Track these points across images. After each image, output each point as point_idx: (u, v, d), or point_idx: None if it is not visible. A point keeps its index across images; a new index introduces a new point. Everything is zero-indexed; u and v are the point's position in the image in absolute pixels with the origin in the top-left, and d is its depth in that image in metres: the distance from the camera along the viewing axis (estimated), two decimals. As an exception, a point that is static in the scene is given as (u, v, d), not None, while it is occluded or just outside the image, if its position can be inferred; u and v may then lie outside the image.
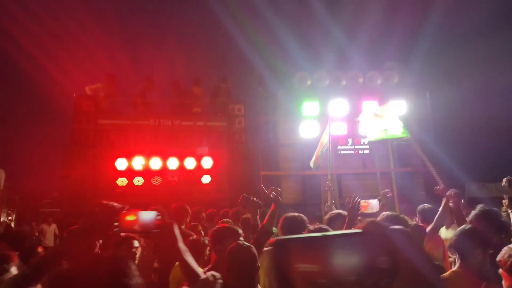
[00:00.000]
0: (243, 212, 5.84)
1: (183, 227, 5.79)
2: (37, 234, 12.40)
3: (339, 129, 9.45)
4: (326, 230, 3.37)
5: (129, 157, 11.53)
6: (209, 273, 2.09)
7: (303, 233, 3.49)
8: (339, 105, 9.43)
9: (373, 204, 4.70)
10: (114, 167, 11.15)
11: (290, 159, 9.38)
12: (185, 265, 2.14)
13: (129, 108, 12.99)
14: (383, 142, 10.11)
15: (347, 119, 9.48)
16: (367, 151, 9.89)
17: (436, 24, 9.97)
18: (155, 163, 11.51)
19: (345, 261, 1.18)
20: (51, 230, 12.76)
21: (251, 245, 2.85)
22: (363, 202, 4.35)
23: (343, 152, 9.74)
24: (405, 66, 10.22)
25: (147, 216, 1.91)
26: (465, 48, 10.48)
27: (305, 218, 3.84)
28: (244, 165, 11.51)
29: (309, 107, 9.23)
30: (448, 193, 4.74)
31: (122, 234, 2.01)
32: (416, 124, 9.68)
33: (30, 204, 16.33)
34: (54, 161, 12.14)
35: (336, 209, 9.45)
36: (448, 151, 9.98)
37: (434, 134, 10.28)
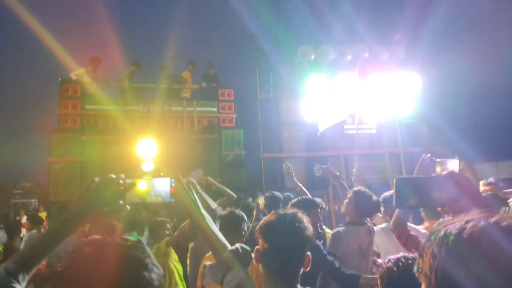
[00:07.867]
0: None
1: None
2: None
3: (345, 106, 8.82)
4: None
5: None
6: (238, 245, 1.75)
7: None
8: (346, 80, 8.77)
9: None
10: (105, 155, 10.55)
11: (294, 139, 8.69)
12: (209, 234, 1.75)
13: (116, 93, 12.44)
14: (391, 121, 9.57)
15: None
16: (374, 131, 9.28)
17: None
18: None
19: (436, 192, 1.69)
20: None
21: None
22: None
23: (349, 131, 9.12)
24: (412, 41, 9.62)
25: (161, 184, 1.62)
26: (477, 24, 9.99)
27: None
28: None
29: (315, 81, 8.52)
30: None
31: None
32: (424, 101, 9.12)
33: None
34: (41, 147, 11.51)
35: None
36: (457, 129, 9.51)
37: (442, 112, 9.76)
